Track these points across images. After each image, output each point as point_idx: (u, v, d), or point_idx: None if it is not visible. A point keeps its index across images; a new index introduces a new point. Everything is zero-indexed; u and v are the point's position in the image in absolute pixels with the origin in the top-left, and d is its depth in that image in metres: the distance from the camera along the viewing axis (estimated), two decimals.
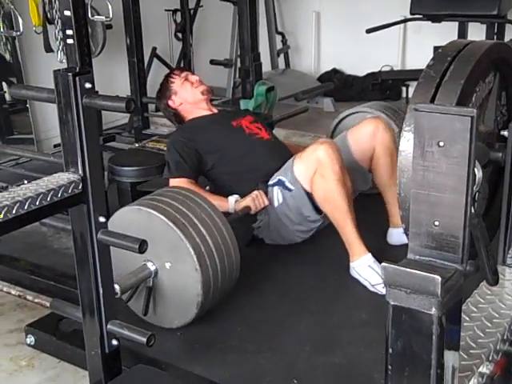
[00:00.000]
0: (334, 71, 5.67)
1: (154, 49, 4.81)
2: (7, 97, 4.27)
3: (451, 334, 1.08)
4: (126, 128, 4.38)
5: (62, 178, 1.71)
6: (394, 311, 1.06)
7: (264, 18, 5.32)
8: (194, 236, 2.15)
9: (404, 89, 5.29)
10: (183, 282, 2.16)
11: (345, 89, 5.42)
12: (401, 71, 5.36)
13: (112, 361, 1.89)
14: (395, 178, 1.60)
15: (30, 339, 2.31)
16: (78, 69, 1.71)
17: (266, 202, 2.68)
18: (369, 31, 4.24)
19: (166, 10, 4.89)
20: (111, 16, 3.63)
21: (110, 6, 3.59)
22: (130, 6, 3.97)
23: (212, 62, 5.11)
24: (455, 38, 3.92)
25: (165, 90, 3.07)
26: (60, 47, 3.84)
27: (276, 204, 2.69)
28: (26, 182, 1.88)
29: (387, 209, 2.79)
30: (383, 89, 5.33)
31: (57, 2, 3.51)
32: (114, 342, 1.87)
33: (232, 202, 2.66)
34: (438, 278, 1.01)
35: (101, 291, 1.81)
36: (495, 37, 3.92)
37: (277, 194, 2.68)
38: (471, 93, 1.66)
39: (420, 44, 4.86)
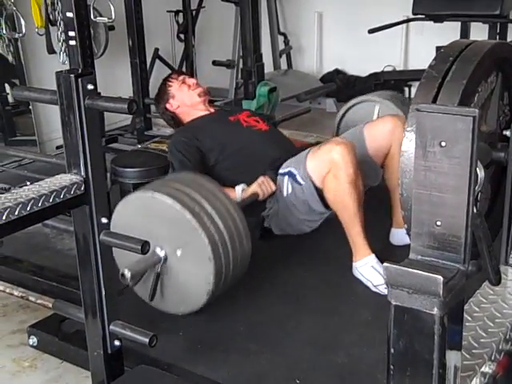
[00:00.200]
0: (337, 72, 5.67)
1: (157, 50, 4.82)
2: (10, 98, 4.28)
3: (453, 334, 1.08)
4: (129, 129, 4.38)
5: (65, 179, 1.71)
6: (395, 311, 1.06)
7: (266, 18, 5.32)
8: (208, 225, 2.10)
9: (406, 89, 5.29)
10: (194, 270, 2.13)
11: (347, 89, 5.41)
12: (403, 71, 5.36)
13: (114, 361, 1.89)
14: None
15: (33, 340, 2.32)
16: (80, 70, 1.72)
17: (273, 188, 2.68)
18: (371, 31, 4.24)
19: (168, 11, 4.89)
20: (113, 17, 3.64)
21: (112, 8, 3.60)
22: (132, 8, 3.97)
23: (214, 62, 5.11)
24: (457, 38, 3.92)
25: (163, 93, 3.11)
26: (62, 49, 3.85)
27: (285, 194, 2.69)
28: (28, 183, 1.88)
29: (392, 208, 2.79)
30: (386, 89, 5.32)
31: (59, 4, 3.52)
32: (117, 343, 1.87)
33: (239, 191, 2.66)
34: (440, 278, 1.01)
35: (103, 292, 1.81)
36: (497, 37, 3.92)
37: (287, 184, 2.68)
38: (473, 93, 1.66)
39: (422, 44, 4.85)
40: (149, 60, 4.46)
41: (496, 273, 1.39)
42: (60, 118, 1.71)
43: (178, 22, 4.86)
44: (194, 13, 4.90)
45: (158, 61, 4.84)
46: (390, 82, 5.32)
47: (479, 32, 3.96)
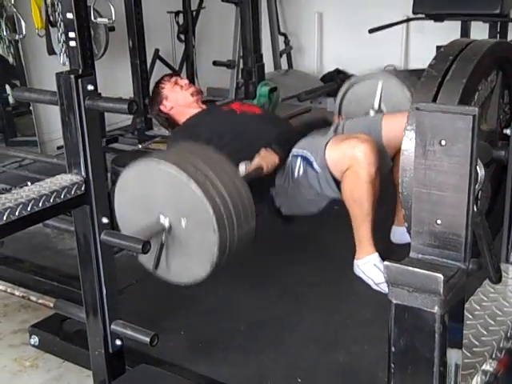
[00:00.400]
0: (337, 71, 5.67)
1: (157, 51, 4.82)
2: (11, 99, 4.28)
3: (454, 332, 1.08)
4: (129, 129, 4.38)
5: (65, 179, 1.72)
6: (396, 310, 1.06)
7: (266, 18, 5.32)
8: (213, 196, 2.07)
9: None
10: (199, 241, 2.10)
11: None
12: (403, 71, 5.35)
13: (116, 361, 1.90)
14: None
15: (34, 340, 2.32)
16: (80, 71, 1.72)
17: (276, 160, 2.66)
18: (371, 31, 4.24)
19: (168, 12, 4.89)
20: (114, 18, 3.64)
21: (112, 9, 3.60)
22: (132, 8, 3.97)
23: (215, 63, 5.11)
24: (458, 37, 3.92)
25: (156, 96, 3.12)
26: (63, 50, 3.86)
27: (296, 175, 2.67)
28: (29, 183, 1.88)
29: (397, 205, 2.78)
30: None
31: (59, 5, 3.52)
32: (118, 342, 1.88)
33: (242, 167, 2.64)
34: (441, 276, 1.01)
35: (104, 291, 1.82)
36: (498, 36, 3.92)
37: (299, 166, 2.66)
38: (473, 91, 1.66)
39: (423, 43, 4.85)
40: (149, 61, 4.46)
41: (497, 271, 1.40)
42: (60, 118, 1.72)
43: (178, 22, 4.87)
44: (194, 13, 4.90)
45: (158, 61, 4.84)
46: None
47: (479, 31, 3.96)
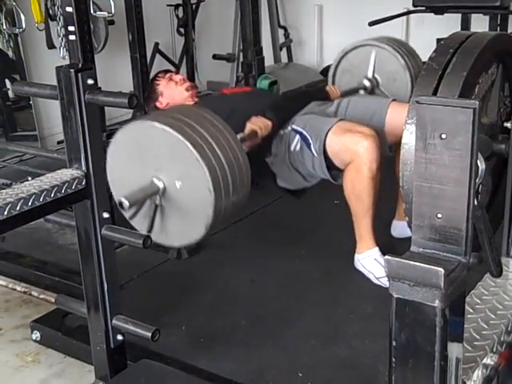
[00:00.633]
0: None
1: (157, 44, 4.80)
2: (10, 94, 4.28)
3: (455, 326, 1.08)
4: None
5: (66, 174, 1.72)
6: (397, 304, 1.06)
7: (266, 11, 5.31)
8: (209, 156, 2.04)
9: None
10: (193, 202, 2.07)
11: None
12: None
13: (117, 355, 1.90)
14: None
15: (36, 335, 2.32)
16: (80, 65, 1.73)
17: (269, 123, 2.65)
18: (371, 24, 4.22)
19: (167, 5, 4.88)
20: (113, 12, 3.63)
21: (111, 2, 3.59)
22: (131, 2, 3.95)
23: (214, 56, 5.10)
24: (458, 29, 3.91)
25: (151, 93, 3.12)
26: (62, 43, 3.85)
27: (292, 149, 2.67)
28: (29, 178, 1.88)
29: (397, 200, 2.78)
30: None
31: None
32: (119, 337, 1.88)
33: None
34: (442, 270, 1.01)
35: (105, 286, 1.82)
36: (498, 28, 3.90)
37: (296, 142, 2.66)
38: (474, 85, 1.65)
39: (423, 36, 4.83)
40: (149, 54, 4.45)
41: (497, 265, 1.39)
42: (60, 112, 1.71)
43: (177, 16, 4.85)
44: (193, 7, 4.89)
45: (158, 55, 4.83)
46: None
47: (480, 24, 3.95)
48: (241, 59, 4.40)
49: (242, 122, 2.70)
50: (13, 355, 2.30)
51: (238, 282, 2.62)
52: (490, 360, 1.36)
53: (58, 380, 2.16)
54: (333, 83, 3.23)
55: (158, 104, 3.11)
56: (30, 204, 1.59)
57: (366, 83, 3.13)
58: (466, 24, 4.06)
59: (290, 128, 2.69)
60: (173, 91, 3.08)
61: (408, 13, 4.44)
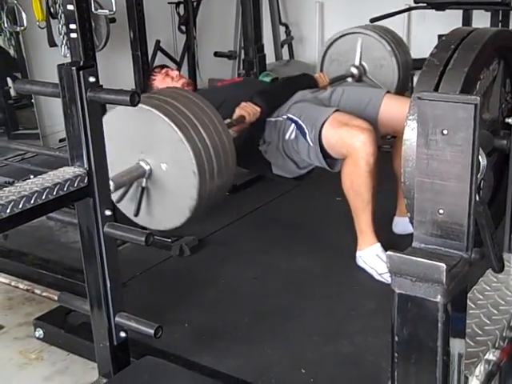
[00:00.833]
0: None
1: (158, 42, 4.80)
2: (12, 92, 4.28)
3: (457, 322, 1.08)
4: None
5: (68, 172, 1.72)
6: (399, 299, 1.06)
7: (267, 9, 5.30)
8: (194, 139, 2.06)
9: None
10: (179, 184, 2.10)
11: None
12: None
13: (120, 353, 1.90)
14: None
15: (39, 332, 2.33)
16: (81, 63, 1.72)
17: (258, 109, 2.67)
18: (373, 20, 4.21)
19: (169, 3, 4.88)
20: (114, 10, 3.63)
21: (113, 0, 3.59)
22: (132, 0, 3.96)
23: (216, 54, 5.10)
24: (459, 26, 3.90)
25: (147, 88, 3.13)
26: (64, 41, 3.85)
27: (287, 137, 2.68)
28: (31, 176, 1.89)
29: (397, 196, 2.78)
30: None
31: None
32: (122, 334, 1.88)
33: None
34: (443, 265, 1.01)
35: (108, 284, 1.82)
36: (500, 24, 3.90)
37: (292, 130, 2.67)
38: (475, 80, 1.66)
39: (424, 33, 4.83)
40: (150, 52, 4.44)
41: (499, 260, 1.39)
42: (62, 110, 1.71)
43: (179, 13, 4.85)
44: (194, 4, 4.89)
45: (159, 53, 4.83)
46: None
47: (481, 20, 3.94)
48: (242, 56, 4.41)
49: (232, 110, 2.71)
50: (16, 352, 2.30)
51: (240, 278, 2.62)
52: (492, 356, 1.36)
53: (61, 377, 2.16)
54: (321, 70, 3.27)
55: None
56: (32, 202, 1.59)
57: (354, 71, 3.17)
58: (467, 20, 4.05)
59: (285, 116, 2.69)
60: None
61: (409, 9, 4.44)
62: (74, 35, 2.60)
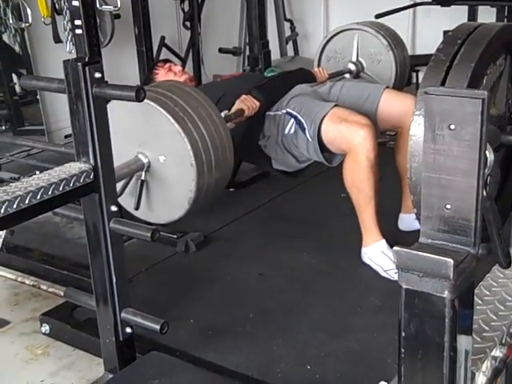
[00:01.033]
0: None
1: (163, 38, 4.80)
2: (18, 88, 4.29)
3: (464, 318, 1.08)
4: None
5: (74, 167, 1.72)
6: (406, 295, 1.06)
7: (272, 5, 5.30)
8: (192, 131, 2.07)
9: (414, 74, 5.25)
10: (177, 177, 2.10)
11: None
12: (411, 56, 5.31)
13: (126, 348, 1.91)
14: None
15: (45, 328, 2.34)
16: (87, 59, 1.72)
17: (257, 103, 2.67)
18: (378, 16, 4.20)
19: None
20: (119, 6, 3.64)
21: None
22: None
23: (221, 50, 5.10)
24: (465, 21, 3.89)
25: (149, 81, 3.11)
26: (69, 38, 3.86)
27: (286, 131, 2.68)
28: (37, 172, 1.89)
29: (403, 193, 2.77)
30: None
31: None
32: (128, 330, 1.89)
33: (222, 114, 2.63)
34: (451, 261, 1.01)
35: (114, 279, 1.82)
36: (506, 19, 3.89)
37: (291, 125, 2.66)
38: (482, 75, 1.65)
39: (430, 29, 4.82)
40: (155, 48, 4.45)
41: (506, 256, 1.39)
42: (68, 106, 1.72)
43: (183, 9, 4.85)
44: (199, 0, 4.89)
45: (164, 49, 4.83)
46: None
47: (487, 15, 3.93)
48: (247, 53, 4.40)
49: (231, 104, 2.71)
50: (22, 348, 2.31)
51: (245, 275, 2.62)
52: (498, 352, 1.36)
53: (67, 372, 2.17)
54: (318, 66, 3.28)
55: None
56: (38, 197, 1.59)
57: (352, 67, 3.18)
58: (472, 16, 4.04)
59: (284, 111, 2.69)
60: None
61: (415, 5, 4.43)
62: (79, 31, 2.60)
